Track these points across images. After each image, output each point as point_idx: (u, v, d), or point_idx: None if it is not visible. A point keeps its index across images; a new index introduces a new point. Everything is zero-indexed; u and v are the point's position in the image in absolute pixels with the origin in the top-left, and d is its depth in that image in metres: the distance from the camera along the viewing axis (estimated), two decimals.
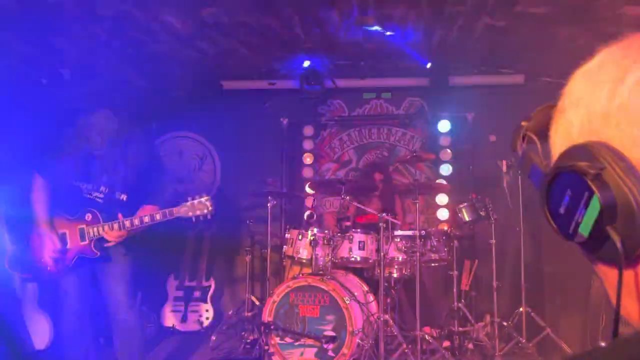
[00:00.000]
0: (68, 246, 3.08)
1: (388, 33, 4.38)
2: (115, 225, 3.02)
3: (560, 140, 0.63)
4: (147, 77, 5.01)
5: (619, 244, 0.52)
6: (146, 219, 3.02)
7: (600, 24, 3.87)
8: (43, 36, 3.77)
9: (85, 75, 4.23)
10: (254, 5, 3.93)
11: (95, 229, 3.04)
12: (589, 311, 3.84)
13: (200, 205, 3.05)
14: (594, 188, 0.53)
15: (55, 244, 3.03)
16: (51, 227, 3.07)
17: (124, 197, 3.12)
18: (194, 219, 3.06)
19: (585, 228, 0.55)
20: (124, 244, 3.15)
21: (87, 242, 3.06)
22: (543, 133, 0.69)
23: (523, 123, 0.74)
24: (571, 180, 0.56)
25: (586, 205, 0.54)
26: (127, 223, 3.02)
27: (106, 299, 3.19)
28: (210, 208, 3.06)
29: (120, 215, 3.02)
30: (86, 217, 3.06)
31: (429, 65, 5.05)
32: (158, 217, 3.04)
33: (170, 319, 4.91)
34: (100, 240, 3.07)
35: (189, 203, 3.05)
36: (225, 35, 4.46)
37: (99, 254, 3.08)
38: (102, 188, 3.10)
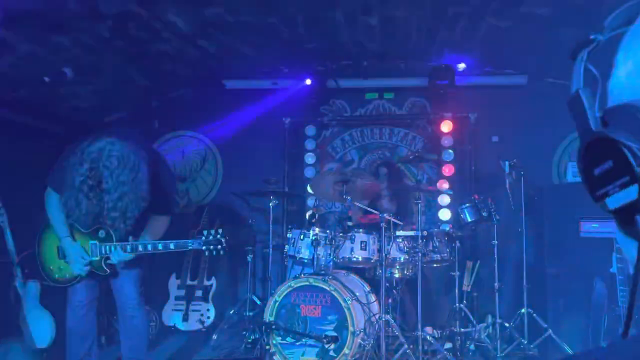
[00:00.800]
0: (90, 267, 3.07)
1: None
2: (128, 247, 2.98)
3: (626, 79, 0.57)
4: (149, 75, 5.01)
5: (638, 238, 0.51)
6: (159, 247, 3.00)
7: (604, 25, 3.85)
8: (46, 34, 3.77)
9: (88, 73, 4.22)
10: (258, 4, 3.93)
11: (107, 247, 3.00)
12: (591, 313, 3.83)
13: (214, 241, 3.02)
14: (638, 181, 0.51)
15: (85, 257, 3.01)
16: (74, 239, 3.05)
17: (136, 214, 3.00)
18: (207, 253, 3.03)
19: (613, 203, 0.55)
20: (131, 263, 3.15)
21: (97, 258, 3.03)
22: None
23: (596, 37, 0.64)
24: (618, 155, 0.53)
25: (623, 187, 0.53)
26: (140, 248, 2.98)
27: (116, 296, 3.19)
28: (224, 243, 3.03)
29: (131, 238, 3.01)
30: (99, 234, 3.04)
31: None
32: (172, 246, 3.01)
33: (171, 318, 4.91)
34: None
35: (203, 238, 3.02)
36: (228, 35, 4.46)
37: (108, 272, 3.06)
38: (119, 204, 2.87)
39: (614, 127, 0.54)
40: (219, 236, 3.02)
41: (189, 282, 5.07)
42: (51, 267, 3.12)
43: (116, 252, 2.97)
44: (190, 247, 3.04)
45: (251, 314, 4.59)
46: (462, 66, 5.07)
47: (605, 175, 0.55)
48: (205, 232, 3.03)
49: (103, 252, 3.00)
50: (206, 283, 5.06)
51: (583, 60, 0.63)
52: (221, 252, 3.03)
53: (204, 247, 3.01)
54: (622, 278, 3.60)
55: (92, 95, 4.90)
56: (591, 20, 3.80)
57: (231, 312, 4.75)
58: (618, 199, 0.53)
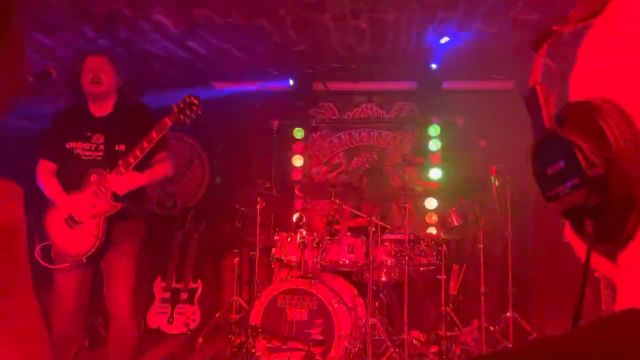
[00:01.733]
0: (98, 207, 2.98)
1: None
2: (122, 169, 2.93)
3: (589, 75, 0.53)
4: (136, 76, 4.96)
5: (587, 240, 0.51)
6: (145, 144, 2.94)
7: None
8: (31, 33, 3.73)
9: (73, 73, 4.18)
10: (247, 6, 3.91)
11: (106, 184, 2.94)
12: (576, 317, 3.86)
13: (186, 105, 3.02)
14: (588, 186, 0.48)
15: (89, 202, 2.93)
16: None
17: (122, 147, 3.04)
18: (188, 121, 3.01)
19: (564, 205, 0.53)
20: (130, 237, 3.10)
21: (103, 200, 2.95)
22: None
23: (555, 28, 0.59)
24: (570, 155, 0.50)
25: (573, 189, 0.50)
26: (130, 159, 2.93)
27: (108, 304, 3.09)
28: (195, 101, 3.03)
29: (119, 161, 2.96)
30: (92, 180, 2.97)
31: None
32: (154, 134, 2.95)
33: (156, 321, 4.86)
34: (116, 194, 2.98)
35: (175, 109, 3.01)
36: (217, 36, 4.44)
37: (120, 205, 2.97)
38: (102, 146, 3.02)
39: (569, 126, 0.51)
40: (187, 99, 3.03)
41: (174, 284, 5.02)
42: (71, 245, 2.98)
43: (115, 179, 2.94)
44: (169, 124, 2.99)
45: (237, 317, 4.56)
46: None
47: (557, 175, 0.53)
48: (174, 105, 3.03)
49: (104, 190, 2.95)
50: (192, 286, 5.02)
51: (543, 54, 0.59)
52: (199, 112, 3.04)
53: (181, 116, 3.01)
54: (606, 282, 3.64)
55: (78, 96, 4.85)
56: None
57: (217, 316, 4.71)
58: (568, 201, 0.52)
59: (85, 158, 3.02)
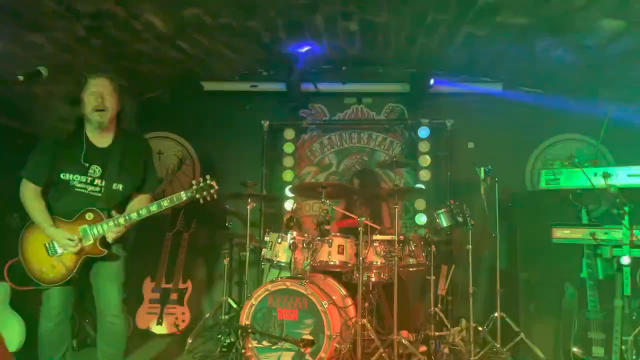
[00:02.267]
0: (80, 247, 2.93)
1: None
2: (121, 220, 2.90)
3: None
4: (127, 76, 4.94)
5: None
6: (153, 208, 2.91)
7: (577, 36, 3.96)
8: (21, 32, 3.70)
9: (63, 73, 4.15)
10: (238, 7, 3.92)
11: (98, 227, 2.91)
12: (562, 317, 3.92)
13: (206, 187, 2.98)
14: None
15: (72, 238, 2.87)
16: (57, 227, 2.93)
17: (120, 187, 3.01)
18: (201, 201, 2.97)
19: None
20: (122, 243, 3.08)
21: (91, 242, 2.92)
22: None
23: None
24: None
25: None
26: (134, 216, 2.91)
27: (97, 301, 3.06)
28: (215, 186, 2.99)
29: (117, 211, 2.94)
30: (87, 217, 2.93)
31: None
32: (165, 203, 2.92)
33: (145, 322, 4.85)
34: (103, 238, 2.96)
35: (194, 187, 2.96)
36: (207, 36, 4.44)
37: (106, 252, 2.95)
38: (97, 181, 2.97)
39: None
40: (208, 181, 2.98)
41: (164, 285, 5.01)
42: (42, 269, 2.93)
43: (109, 227, 2.90)
44: (184, 198, 2.94)
45: (227, 317, 4.56)
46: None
47: None
48: (194, 182, 2.98)
49: (96, 232, 2.91)
50: (182, 286, 5.01)
51: None
52: (215, 196, 3.00)
53: (197, 195, 2.96)
54: (592, 283, 3.69)
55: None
56: (564, 30, 3.91)
57: (207, 316, 4.71)
58: None
59: (80, 190, 2.95)
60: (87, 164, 2.96)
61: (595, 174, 3.71)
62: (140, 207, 2.94)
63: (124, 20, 3.87)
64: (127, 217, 2.92)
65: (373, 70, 5.53)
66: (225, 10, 3.96)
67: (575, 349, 3.66)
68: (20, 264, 3.00)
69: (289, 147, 5.64)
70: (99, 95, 2.95)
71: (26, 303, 3.86)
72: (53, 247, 2.94)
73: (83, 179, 2.95)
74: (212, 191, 2.99)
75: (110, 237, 2.95)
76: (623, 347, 3.37)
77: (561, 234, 3.70)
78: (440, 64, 5.16)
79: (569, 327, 3.75)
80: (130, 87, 5.11)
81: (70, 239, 2.88)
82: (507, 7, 3.70)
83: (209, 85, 5.56)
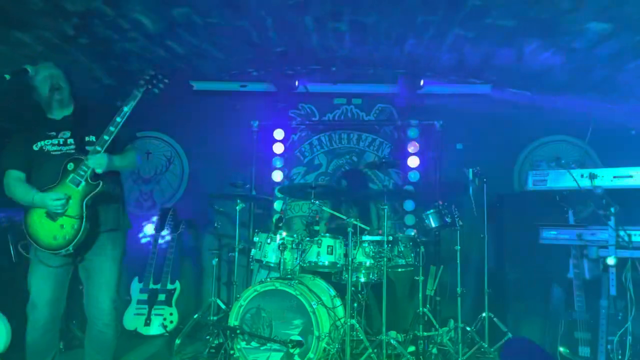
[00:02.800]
0: (72, 201, 2.90)
1: None
2: (98, 147, 2.88)
3: None
4: (115, 74, 4.91)
5: None
6: (118, 119, 2.92)
7: (564, 38, 4.00)
8: (7, 30, 3.66)
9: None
10: (227, 6, 3.91)
11: (83, 166, 2.88)
12: (549, 317, 3.95)
13: (152, 78, 3.03)
14: None
15: (58, 196, 2.85)
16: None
17: (92, 138, 3.00)
18: (157, 90, 3.02)
19: None
20: (112, 244, 3.06)
21: (84, 183, 2.89)
22: None
23: None
24: None
25: None
26: (105, 136, 2.89)
27: (87, 307, 3.03)
28: (160, 76, 3.04)
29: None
30: (68, 168, 2.92)
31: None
32: (126, 108, 2.96)
33: (133, 323, 4.81)
34: (95, 175, 2.92)
35: (141, 81, 3.02)
36: (196, 36, 4.41)
37: (101, 183, 2.91)
38: (70, 140, 3.00)
39: None
40: (152, 73, 3.02)
41: (152, 285, 4.98)
42: (54, 235, 2.89)
43: (92, 158, 2.88)
44: (138, 95, 2.99)
45: (215, 318, 4.54)
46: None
47: None
48: (139, 79, 3.02)
49: (82, 173, 2.89)
50: (170, 287, 4.99)
51: None
52: (166, 80, 3.03)
53: (149, 86, 3.01)
54: (578, 283, 3.73)
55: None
56: (552, 33, 3.95)
57: (195, 317, 4.69)
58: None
59: (56, 153, 2.98)
60: (53, 133, 3.01)
61: (582, 175, 3.74)
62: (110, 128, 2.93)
63: (112, 19, 3.84)
64: (101, 141, 2.90)
65: (363, 71, 5.53)
66: (214, 9, 3.94)
67: (561, 349, 3.69)
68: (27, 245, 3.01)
69: (278, 148, 5.64)
70: (51, 77, 2.99)
71: (12, 304, 3.82)
72: (52, 213, 2.92)
73: (55, 141, 3.00)
74: (160, 77, 3.03)
75: (98, 166, 2.90)
76: (609, 347, 3.41)
77: (548, 234, 3.73)
78: (430, 65, 5.18)
79: (556, 327, 3.79)
80: (118, 86, 5.10)
81: (56, 199, 2.86)
82: (495, 9, 3.72)
83: (198, 85, 5.54)
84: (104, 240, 3.05)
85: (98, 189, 2.93)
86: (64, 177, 2.92)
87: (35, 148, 2.98)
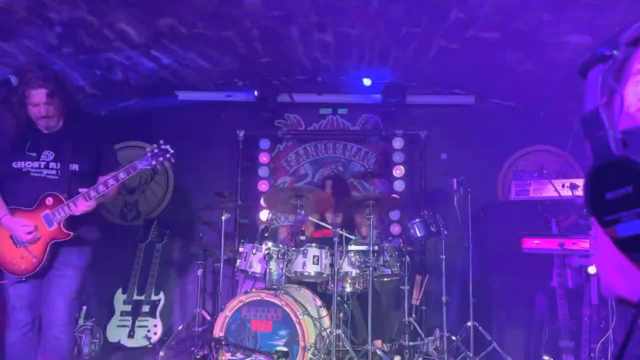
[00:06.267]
0: (38, 234, 2.88)
1: None
2: (81, 199, 2.85)
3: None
4: (99, 84, 4.88)
5: None
6: (110, 182, 2.87)
7: (545, 50, 4.07)
8: None
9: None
10: (213, 17, 3.92)
11: (60, 210, 2.86)
12: (533, 325, 3.98)
13: (160, 152, 2.95)
14: None
15: (28, 226, 2.83)
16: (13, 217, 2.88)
17: (76, 167, 2.98)
18: (158, 167, 2.96)
19: (625, 230, 0.51)
20: (77, 254, 3.02)
21: (56, 226, 2.88)
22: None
23: (614, 53, 0.55)
24: None
25: None
26: (92, 192, 2.86)
27: (44, 312, 2.99)
28: (170, 150, 2.97)
29: (80, 190, 2.87)
30: (47, 202, 2.88)
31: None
32: (122, 175, 2.89)
33: (116, 335, 4.75)
34: (70, 220, 2.90)
35: (149, 153, 2.94)
36: (182, 46, 4.42)
37: (72, 234, 2.90)
38: (52, 164, 2.95)
39: (638, 152, 0.50)
40: (162, 146, 2.97)
41: (135, 297, 4.92)
42: (13, 261, 2.88)
43: (82, 205, 2.85)
44: (139, 167, 2.91)
45: (200, 329, 4.50)
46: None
47: (620, 200, 0.51)
48: (148, 148, 2.96)
49: (58, 217, 2.87)
50: (154, 298, 4.94)
51: (600, 76, 0.56)
52: (172, 160, 2.98)
53: (153, 162, 2.93)
54: (561, 292, 3.77)
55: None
56: (534, 44, 4.02)
57: (180, 328, 4.64)
58: (633, 227, 0.50)
59: (37, 175, 2.94)
60: (34, 154, 2.95)
61: (563, 185, 3.80)
62: (97, 184, 2.89)
63: (97, 29, 3.83)
64: (86, 196, 2.86)
65: (348, 81, 5.58)
66: (200, 20, 3.95)
67: (545, 357, 3.72)
68: None
69: (264, 157, 5.64)
70: (40, 105, 2.92)
71: None
72: (18, 238, 2.90)
73: (36, 164, 2.94)
74: (168, 155, 2.96)
75: (77, 212, 2.87)
76: (592, 355, 3.44)
77: (531, 244, 3.77)
78: (414, 76, 5.24)
79: (540, 336, 3.82)
80: (103, 96, 5.07)
81: (24, 226, 2.84)
82: (477, 21, 3.78)
83: (183, 95, 5.53)
84: (68, 253, 3.01)
85: (67, 238, 2.91)
86: (39, 208, 2.89)
87: (14, 166, 2.94)
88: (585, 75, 0.58)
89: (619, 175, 0.51)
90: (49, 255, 2.91)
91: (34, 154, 2.96)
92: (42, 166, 2.95)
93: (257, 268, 4.08)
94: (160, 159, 2.95)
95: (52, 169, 2.96)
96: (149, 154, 2.94)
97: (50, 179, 2.94)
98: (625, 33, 0.55)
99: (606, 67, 0.56)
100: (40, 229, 2.89)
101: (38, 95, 2.90)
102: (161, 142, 2.98)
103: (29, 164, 2.94)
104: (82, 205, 2.87)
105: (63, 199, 2.89)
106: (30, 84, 2.87)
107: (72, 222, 2.94)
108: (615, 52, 0.55)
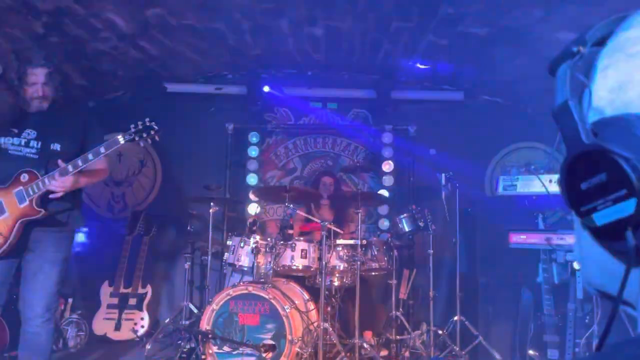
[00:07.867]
0: (6, 214, 2.75)
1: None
2: (57, 174, 2.75)
3: (608, 93, 0.54)
4: (87, 75, 4.83)
5: (632, 251, 0.49)
6: (89, 156, 2.77)
7: (536, 47, 4.09)
8: None
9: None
10: (202, 9, 3.88)
11: (34, 185, 2.75)
12: (519, 320, 4.02)
13: (145, 129, 2.86)
14: (638, 194, 0.47)
15: (11, 200, 2.73)
16: None
17: (58, 147, 2.89)
18: (142, 144, 2.88)
19: (601, 219, 0.51)
20: (55, 245, 2.92)
21: (27, 203, 2.76)
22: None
23: (580, 49, 0.58)
24: (614, 168, 0.49)
25: (616, 201, 0.50)
26: (70, 167, 2.75)
27: (22, 307, 2.89)
28: (155, 126, 2.88)
29: (59, 161, 2.77)
30: (22, 179, 2.78)
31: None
32: (103, 149, 2.79)
33: (102, 328, 4.72)
34: (46, 200, 2.79)
35: (133, 129, 2.85)
36: (171, 37, 4.38)
37: (44, 211, 2.78)
38: (33, 142, 2.87)
39: (608, 140, 0.51)
40: (147, 123, 2.88)
41: (122, 289, 4.89)
42: None
43: (58, 180, 2.75)
44: (121, 142, 2.82)
45: (187, 322, 4.49)
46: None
47: (594, 189, 0.52)
48: (132, 125, 2.87)
49: (31, 192, 2.76)
50: (141, 291, 4.91)
51: (569, 71, 0.59)
52: (156, 138, 2.89)
53: (136, 138, 2.84)
54: (547, 287, 3.80)
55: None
56: (524, 41, 4.03)
57: (167, 321, 4.62)
58: (609, 214, 0.51)
59: (15, 153, 2.85)
60: (16, 130, 2.87)
61: (551, 181, 3.83)
62: (78, 158, 2.79)
63: (83, 18, 3.77)
64: (62, 170, 2.76)
65: (338, 75, 5.57)
66: (189, 11, 3.91)
67: (531, 352, 3.76)
68: None
69: (253, 151, 5.61)
70: (37, 85, 2.87)
71: None
72: None
73: (17, 141, 2.86)
74: (152, 132, 2.88)
75: (55, 188, 2.78)
76: (576, 350, 3.48)
77: (518, 239, 3.80)
78: (404, 71, 5.24)
79: (525, 330, 3.86)
80: (90, 87, 5.02)
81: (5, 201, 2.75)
82: (467, 17, 3.79)
83: (172, 87, 5.49)
84: (46, 241, 2.90)
85: (37, 216, 2.79)
86: (13, 185, 2.79)
87: None
88: (554, 72, 0.62)
89: (592, 164, 0.52)
90: (18, 233, 2.77)
91: (16, 130, 2.88)
92: (23, 143, 2.87)
93: (245, 261, 4.06)
94: (144, 134, 2.86)
95: (33, 147, 2.88)
96: (132, 129, 2.85)
97: (28, 157, 2.85)
98: (589, 32, 0.59)
99: (574, 62, 0.58)
100: (9, 207, 2.78)
101: (38, 74, 2.86)
102: (147, 119, 2.89)
103: (8, 140, 2.85)
104: (58, 181, 2.76)
105: (38, 176, 2.78)
106: (32, 61, 2.82)
107: (48, 202, 2.82)
108: (582, 48, 0.58)
